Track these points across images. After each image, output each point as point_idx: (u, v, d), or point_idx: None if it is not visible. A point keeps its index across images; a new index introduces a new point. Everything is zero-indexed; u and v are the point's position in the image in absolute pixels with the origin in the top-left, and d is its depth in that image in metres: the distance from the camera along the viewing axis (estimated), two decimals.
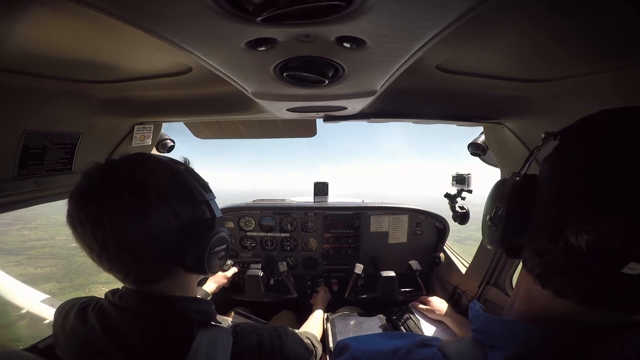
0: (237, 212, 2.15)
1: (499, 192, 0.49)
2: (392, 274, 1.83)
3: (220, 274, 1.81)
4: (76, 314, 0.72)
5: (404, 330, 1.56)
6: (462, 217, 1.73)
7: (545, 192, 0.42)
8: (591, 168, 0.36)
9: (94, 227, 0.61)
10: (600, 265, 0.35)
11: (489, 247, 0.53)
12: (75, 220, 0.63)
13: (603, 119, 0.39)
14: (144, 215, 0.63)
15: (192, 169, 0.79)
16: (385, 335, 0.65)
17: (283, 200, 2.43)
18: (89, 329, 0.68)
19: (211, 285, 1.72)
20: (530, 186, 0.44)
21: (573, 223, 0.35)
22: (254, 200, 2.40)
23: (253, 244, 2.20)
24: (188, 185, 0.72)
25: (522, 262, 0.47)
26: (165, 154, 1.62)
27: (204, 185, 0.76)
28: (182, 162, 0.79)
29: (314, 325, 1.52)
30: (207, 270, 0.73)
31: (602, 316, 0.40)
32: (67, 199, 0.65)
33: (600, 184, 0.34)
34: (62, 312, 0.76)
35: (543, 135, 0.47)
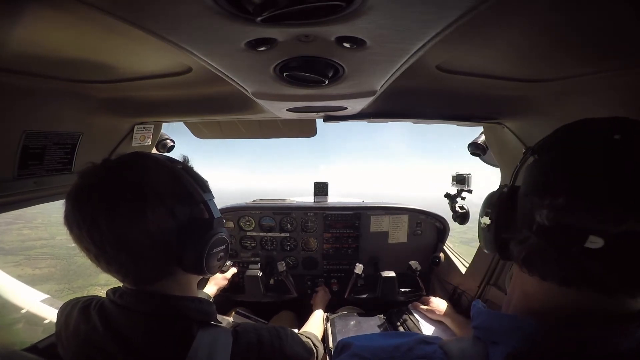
0: (237, 212, 2.15)
1: (489, 202, 0.58)
2: (392, 274, 1.83)
3: (219, 276, 1.81)
4: (78, 312, 0.73)
5: (403, 331, 1.56)
6: (462, 217, 1.73)
7: (522, 192, 0.50)
8: (549, 166, 0.46)
9: (90, 228, 0.61)
10: (566, 241, 0.40)
11: (485, 250, 0.60)
12: (72, 221, 0.63)
13: (556, 134, 0.50)
14: (140, 216, 0.62)
15: (191, 168, 0.79)
16: (386, 335, 0.67)
17: (283, 200, 2.43)
18: (91, 326, 0.69)
19: (212, 288, 1.72)
20: (513, 193, 0.52)
21: (537, 204, 0.43)
22: (254, 200, 2.40)
23: (253, 244, 2.20)
24: (186, 185, 0.72)
25: (512, 256, 0.51)
26: (165, 154, 1.62)
27: (202, 185, 0.76)
28: (181, 160, 0.79)
29: (314, 324, 1.53)
30: (205, 271, 0.73)
31: (594, 304, 0.42)
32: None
33: (554, 176, 0.44)
34: (65, 311, 0.76)
35: (523, 151, 0.56)
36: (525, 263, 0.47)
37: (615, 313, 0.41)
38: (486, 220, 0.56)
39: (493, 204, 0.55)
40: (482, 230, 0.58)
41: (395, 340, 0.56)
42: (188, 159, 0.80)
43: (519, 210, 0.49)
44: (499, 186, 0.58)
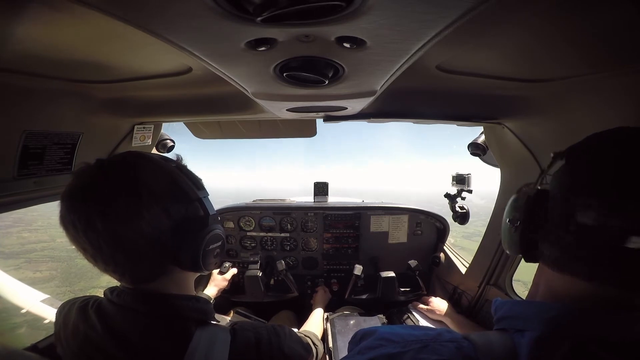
0: (237, 212, 2.15)
1: (515, 205, 0.58)
2: (391, 274, 1.83)
3: (219, 277, 1.81)
4: (77, 311, 0.73)
5: None
6: (462, 217, 1.73)
7: (558, 195, 0.49)
8: (596, 169, 0.46)
9: (86, 228, 0.61)
10: (608, 241, 0.41)
11: (508, 251, 0.61)
12: (68, 221, 0.63)
13: (591, 140, 0.50)
14: (135, 215, 0.62)
15: (185, 166, 0.79)
16: (407, 326, 0.68)
17: (283, 200, 2.43)
18: (90, 326, 0.69)
19: (212, 289, 1.72)
20: (542, 196, 0.52)
21: (580, 205, 0.44)
22: (254, 200, 2.40)
23: (253, 244, 2.20)
24: (180, 184, 0.72)
25: (539, 257, 0.53)
26: (165, 154, 1.62)
27: (196, 183, 0.76)
28: (175, 159, 0.79)
29: (314, 324, 1.53)
30: (202, 268, 0.73)
31: (614, 296, 0.44)
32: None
33: (601, 178, 0.45)
34: (64, 311, 0.76)
35: (552, 155, 0.54)
36: (557, 264, 0.49)
37: (634, 305, 0.44)
38: (513, 222, 0.57)
39: (520, 206, 0.55)
40: (508, 233, 0.59)
41: (419, 331, 0.57)
42: (181, 158, 0.80)
43: (552, 212, 0.49)
44: (523, 189, 0.58)
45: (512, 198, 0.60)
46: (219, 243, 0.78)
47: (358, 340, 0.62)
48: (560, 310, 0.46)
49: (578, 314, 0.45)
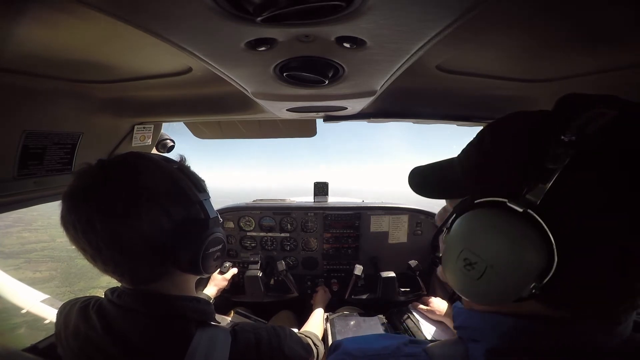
0: (237, 212, 2.15)
1: (511, 235, 0.39)
2: (391, 274, 1.82)
3: (219, 277, 1.81)
4: (77, 312, 0.73)
5: (404, 331, 1.56)
6: None
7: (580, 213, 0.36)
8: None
9: (85, 228, 0.61)
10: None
11: (483, 300, 0.46)
12: (68, 222, 0.63)
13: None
14: (134, 216, 0.62)
15: (187, 168, 0.78)
16: (378, 336, 0.67)
17: (283, 200, 2.42)
18: (90, 326, 0.69)
19: (212, 289, 1.72)
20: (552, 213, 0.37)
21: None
22: (254, 200, 2.40)
23: (253, 244, 2.20)
24: (181, 185, 0.71)
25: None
26: (165, 154, 1.62)
27: (197, 185, 0.75)
28: (177, 160, 0.78)
29: (314, 324, 1.53)
30: (202, 271, 0.73)
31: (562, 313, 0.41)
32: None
33: None
34: (64, 311, 0.76)
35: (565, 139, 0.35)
36: (561, 302, 0.41)
37: (573, 319, 0.41)
38: (507, 263, 0.39)
39: (526, 240, 0.37)
40: (500, 277, 0.40)
41: (384, 341, 0.56)
42: (185, 159, 0.80)
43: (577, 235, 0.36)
44: (506, 205, 0.39)
45: (482, 224, 0.43)
46: (220, 246, 0.77)
47: (332, 351, 0.62)
48: (515, 324, 0.44)
49: (534, 328, 0.43)
